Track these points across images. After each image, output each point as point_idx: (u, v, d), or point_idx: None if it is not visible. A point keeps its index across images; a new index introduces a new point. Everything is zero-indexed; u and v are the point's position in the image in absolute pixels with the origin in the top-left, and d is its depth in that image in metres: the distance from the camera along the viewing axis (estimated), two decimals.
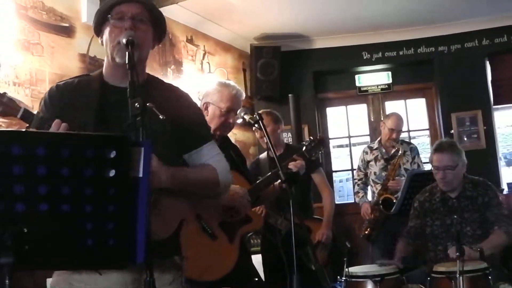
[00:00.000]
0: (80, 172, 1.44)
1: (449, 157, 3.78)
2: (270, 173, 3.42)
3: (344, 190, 9.40)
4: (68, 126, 1.90)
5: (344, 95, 7.91)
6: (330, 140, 8.03)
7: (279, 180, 3.24)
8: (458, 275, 2.99)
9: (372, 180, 5.73)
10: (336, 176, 8.50)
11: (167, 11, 5.21)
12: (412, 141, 7.09)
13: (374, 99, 7.83)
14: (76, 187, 1.43)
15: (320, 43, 7.62)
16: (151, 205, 1.92)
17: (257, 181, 3.39)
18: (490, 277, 3.21)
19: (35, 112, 1.95)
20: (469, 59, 7.28)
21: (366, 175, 5.83)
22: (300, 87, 7.48)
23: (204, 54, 6.50)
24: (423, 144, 8.58)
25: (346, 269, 3.46)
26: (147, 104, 1.76)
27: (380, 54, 7.59)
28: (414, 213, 3.96)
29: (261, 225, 3.76)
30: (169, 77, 5.80)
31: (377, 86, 7.78)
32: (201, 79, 6.25)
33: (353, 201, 6.69)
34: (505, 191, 6.90)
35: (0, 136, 1.41)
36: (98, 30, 2.15)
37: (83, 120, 1.98)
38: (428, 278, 3.37)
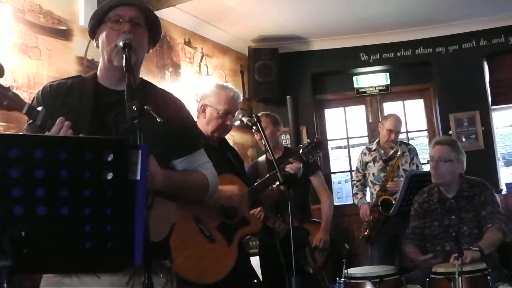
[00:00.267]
0: (78, 175, 1.43)
1: (445, 150, 3.81)
2: (268, 175, 3.42)
3: (342, 191, 9.41)
4: (71, 124, 1.88)
5: (342, 96, 7.92)
6: (328, 142, 8.03)
7: (277, 183, 3.24)
8: (457, 276, 3.00)
9: (371, 181, 5.73)
10: (334, 178, 8.51)
11: (164, 13, 5.21)
12: (411, 142, 7.10)
13: (372, 101, 7.84)
14: (74, 190, 1.43)
15: (317, 45, 7.63)
16: (149, 209, 1.93)
17: (255, 183, 3.40)
18: (489, 278, 3.21)
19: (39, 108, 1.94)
20: (467, 60, 7.29)
21: (364, 176, 5.83)
22: (298, 88, 7.48)
23: (202, 57, 6.50)
24: (422, 145, 8.60)
25: (345, 271, 3.46)
26: (145, 107, 1.76)
27: (378, 56, 7.60)
28: (416, 213, 3.96)
29: (259, 228, 3.75)
30: (167, 80, 5.81)
31: (375, 87, 7.79)
32: (199, 81, 6.25)
33: (351, 202, 6.69)
34: (504, 192, 6.92)
35: None
36: (93, 32, 2.15)
37: (77, 121, 1.96)
38: (427, 279, 3.37)
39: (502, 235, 3.60)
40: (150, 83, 2.31)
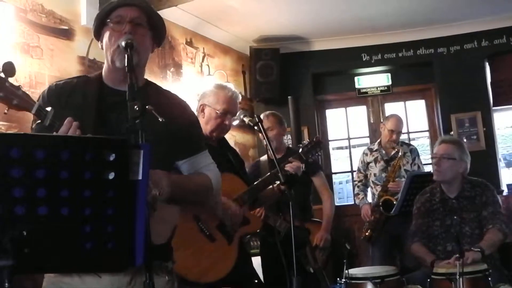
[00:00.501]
0: (79, 175, 1.43)
1: (449, 148, 3.81)
2: (267, 174, 3.42)
3: (343, 192, 9.40)
4: (79, 124, 1.89)
5: (343, 97, 7.92)
6: (329, 142, 8.04)
7: (278, 182, 3.25)
8: (458, 277, 3.00)
9: (372, 182, 5.73)
10: (335, 178, 8.51)
11: (166, 13, 5.21)
12: (412, 142, 7.09)
13: (374, 101, 7.84)
14: (75, 190, 1.43)
15: (319, 45, 7.63)
16: (151, 208, 1.94)
17: (255, 182, 3.40)
18: (490, 279, 3.21)
19: (48, 108, 1.94)
20: (468, 61, 7.29)
21: (366, 176, 5.83)
22: (299, 89, 7.49)
23: (203, 57, 6.50)
24: (423, 146, 8.60)
25: (346, 271, 3.46)
26: (147, 107, 1.77)
27: (379, 56, 7.60)
28: (419, 212, 3.95)
29: (260, 227, 3.75)
30: (169, 80, 5.81)
31: (377, 87, 7.79)
32: (201, 81, 6.25)
33: (352, 203, 6.69)
34: (505, 192, 6.91)
35: None
36: (97, 34, 2.16)
37: (81, 120, 1.97)
38: (428, 280, 3.37)
39: (503, 236, 3.60)
40: (155, 84, 2.31)
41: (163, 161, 1.98)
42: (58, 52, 4.42)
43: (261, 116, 4.44)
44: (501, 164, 7.98)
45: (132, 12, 2.08)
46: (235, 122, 3.36)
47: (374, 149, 5.80)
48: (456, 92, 7.24)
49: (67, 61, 4.50)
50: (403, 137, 6.38)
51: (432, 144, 7.57)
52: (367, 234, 5.51)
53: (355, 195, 5.96)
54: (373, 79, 7.82)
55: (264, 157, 4.60)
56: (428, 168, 6.92)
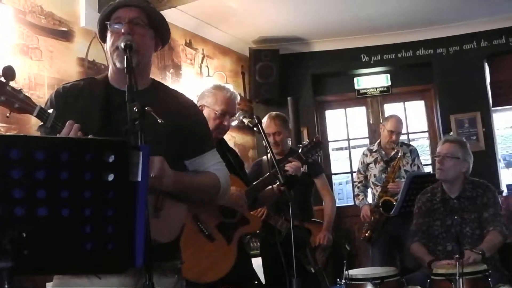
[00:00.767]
0: (79, 176, 1.43)
1: (453, 147, 3.82)
2: (267, 174, 3.43)
3: (343, 193, 9.40)
4: (80, 126, 1.91)
5: (343, 97, 7.92)
6: (329, 143, 8.04)
7: (278, 183, 3.25)
8: (458, 277, 2.99)
9: (372, 183, 5.73)
10: (335, 179, 8.50)
11: (165, 14, 5.16)
12: (411, 143, 7.09)
13: (373, 102, 7.84)
14: (75, 191, 1.43)
15: (318, 46, 7.63)
16: (155, 209, 1.94)
17: (254, 182, 3.40)
18: (490, 279, 3.21)
19: (50, 111, 1.95)
20: (467, 61, 7.29)
21: (366, 177, 5.83)
22: (299, 90, 7.48)
23: (203, 58, 6.50)
24: (422, 146, 8.59)
25: (346, 272, 3.46)
26: (146, 108, 1.77)
27: (378, 57, 7.61)
28: (420, 212, 3.95)
29: (259, 227, 3.75)
30: (168, 81, 5.81)
31: (376, 88, 7.79)
32: (200, 82, 6.25)
33: (352, 203, 6.69)
34: (505, 193, 6.91)
35: None
36: (102, 37, 2.18)
37: (87, 121, 1.99)
38: (428, 280, 3.37)
39: (503, 238, 3.61)
40: (162, 84, 2.33)
41: (171, 161, 1.99)
42: (57, 53, 4.42)
43: (266, 118, 4.45)
44: (501, 164, 7.97)
45: (131, 13, 2.09)
46: (234, 123, 3.36)
47: (374, 150, 5.80)
48: (456, 92, 7.24)
49: (66, 63, 4.50)
50: (403, 137, 6.38)
51: (432, 145, 7.58)
52: (367, 234, 5.51)
53: (355, 196, 5.96)
54: (372, 80, 7.83)
55: (269, 155, 4.59)
56: (428, 169, 6.95)
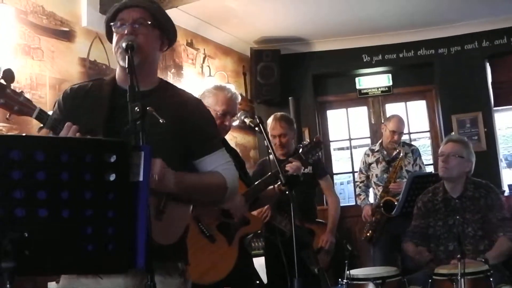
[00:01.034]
0: (80, 177, 1.43)
1: (457, 146, 3.83)
2: (268, 175, 3.43)
3: (345, 192, 9.41)
4: (78, 128, 1.92)
5: (344, 97, 7.91)
6: (330, 143, 8.03)
7: (279, 183, 3.25)
8: (459, 277, 2.99)
9: (374, 183, 5.72)
10: (337, 179, 8.51)
11: None
12: (413, 143, 7.07)
13: (375, 102, 7.84)
14: (76, 192, 1.43)
15: (319, 46, 7.63)
16: (157, 210, 1.94)
17: (255, 183, 3.40)
18: (491, 279, 3.20)
19: (50, 112, 1.98)
20: (469, 61, 7.28)
21: (367, 177, 5.82)
22: (300, 90, 7.48)
23: (204, 58, 6.50)
24: (424, 146, 8.59)
25: (347, 272, 3.46)
26: (147, 108, 1.77)
27: (380, 57, 7.60)
28: (419, 213, 3.95)
29: (260, 227, 3.75)
30: (169, 81, 5.80)
31: (378, 88, 7.78)
32: (202, 83, 6.26)
33: (354, 203, 6.69)
34: (506, 193, 6.90)
35: None
36: (110, 38, 2.20)
37: (93, 121, 2.01)
38: (430, 280, 3.36)
39: None
40: (170, 83, 2.34)
41: (178, 161, 1.99)
42: (59, 53, 4.42)
43: (271, 119, 4.44)
44: (502, 164, 7.98)
45: (134, 13, 2.10)
46: (235, 123, 3.36)
47: (375, 150, 5.80)
48: (457, 92, 7.24)
49: (68, 63, 4.50)
50: (404, 137, 6.37)
51: (433, 145, 7.58)
52: (368, 234, 5.51)
53: (357, 196, 5.96)
54: (374, 80, 7.82)
55: (271, 156, 4.59)
56: (430, 169, 6.95)
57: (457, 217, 3.75)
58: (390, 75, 7.77)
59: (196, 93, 5.92)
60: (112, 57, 2.42)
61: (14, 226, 1.37)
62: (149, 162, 1.61)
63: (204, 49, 6.55)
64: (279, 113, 4.61)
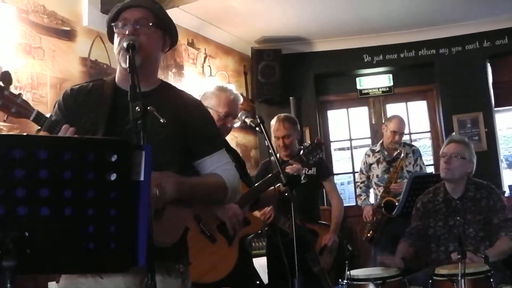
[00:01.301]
0: (82, 176, 1.44)
1: (459, 147, 3.82)
2: (269, 176, 3.43)
3: (345, 193, 9.40)
4: (75, 130, 1.93)
5: (345, 97, 7.92)
6: (331, 143, 8.04)
7: (280, 184, 3.25)
8: (460, 278, 2.99)
9: (375, 183, 5.73)
10: (337, 179, 8.50)
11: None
12: (413, 143, 7.08)
13: (375, 102, 7.84)
14: (78, 191, 1.43)
15: (321, 46, 7.63)
16: (156, 212, 1.94)
17: (256, 184, 3.40)
18: (492, 280, 3.20)
19: (47, 115, 1.98)
20: (470, 61, 7.28)
21: (368, 177, 5.83)
22: (301, 90, 7.49)
23: (205, 58, 6.50)
24: (425, 147, 8.59)
25: (348, 272, 3.46)
26: (148, 108, 1.77)
27: (381, 57, 7.60)
28: (417, 214, 3.96)
29: (261, 228, 3.75)
30: (170, 81, 5.81)
31: (378, 88, 7.79)
32: (202, 82, 6.26)
33: (354, 204, 6.69)
34: (507, 193, 6.90)
35: (1, 140, 1.41)
36: (111, 38, 2.20)
37: (94, 121, 2.02)
38: (430, 281, 3.36)
39: None
40: (170, 84, 2.34)
41: (178, 161, 1.99)
42: (60, 53, 4.42)
43: (274, 120, 4.44)
44: (503, 165, 7.98)
45: (137, 14, 2.11)
46: (237, 124, 3.36)
47: (376, 150, 5.80)
48: (458, 93, 7.24)
49: (69, 62, 4.50)
50: (405, 138, 6.38)
51: (434, 145, 7.58)
52: (369, 235, 5.51)
53: (357, 196, 5.97)
54: (374, 80, 7.82)
55: (273, 157, 4.58)
56: (430, 169, 6.94)
57: (458, 218, 3.75)
58: (391, 75, 7.77)
59: (197, 93, 5.93)
60: (113, 57, 2.42)
61: (16, 225, 1.37)
62: (150, 161, 1.61)
63: (205, 49, 6.55)
64: (282, 114, 4.60)
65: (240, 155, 3.77)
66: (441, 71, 7.43)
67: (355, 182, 7.11)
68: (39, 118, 1.93)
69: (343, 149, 9.07)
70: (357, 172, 6.23)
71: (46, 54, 4.29)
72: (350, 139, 7.98)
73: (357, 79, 7.82)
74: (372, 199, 5.88)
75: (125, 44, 1.97)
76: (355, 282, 3.49)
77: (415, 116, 7.92)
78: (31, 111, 1.92)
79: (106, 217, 1.48)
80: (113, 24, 2.12)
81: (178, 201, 2.02)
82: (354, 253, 3.65)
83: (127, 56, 1.93)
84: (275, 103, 7.21)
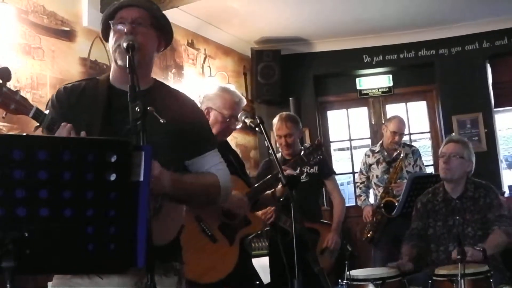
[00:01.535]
0: (81, 176, 1.43)
1: (458, 147, 3.83)
2: (268, 176, 3.43)
3: (345, 193, 9.36)
4: (72, 126, 1.91)
5: (345, 98, 7.91)
6: (331, 143, 8.03)
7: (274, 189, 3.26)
8: (459, 278, 2.99)
9: (374, 183, 5.73)
10: (337, 179, 8.48)
11: (167, 15, 5.17)
12: (413, 144, 7.08)
13: (375, 102, 7.83)
14: (77, 191, 1.43)
15: (320, 47, 7.63)
16: (153, 210, 1.94)
17: (256, 185, 3.40)
18: (491, 280, 3.20)
19: (46, 111, 1.97)
20: (469, 62, 7.28)
21: (368, 178, 5.83)
22: (300, 90, 7.49)
23: (205, 58, 6.50)
24: (424, 147, 8.59)
25: (348, 272, 3.46)
26: (148, 108, 1.77)
27: (380, 57, 7.60)
28: (417, 214, 3.96)
29: (261, 228, 3.75)
30: (170, 81, 5.81)
31: (378, 89, 7.78)
32: (202, 82, 6.26)
33: (354, 204, 6.68)
34: (507, 194, 6.89)
35: (1, 140, 1.41)
36: (106, 36, 2.19)
37: (89, 121, 2.00)
38: (430, 281, 3.36)
39: (507, 237, 3.59)
40: (164, 84, 2.33)
41: (171, 161, 1.99)
42: (60, 53, 4.43)
43: (276, 119, 4.44)
44: (503, 165, 7.97)
45: (134, 13, 2.10)
46: (239, 126, 3.36)
47: (376, 151, 5.80)
48: (458, 93, 7.24)
49: (68, 63, 4.50)
50: (404, 138, 6.38)
51: (434, 146, 7.58)
52: (368, 235, 5.51)
53: (357, 196, 5.97)
54: (374, 81, 7.82)
55: (277, 155, 4.58)
56: (430, 170, 6.94)
57: (457, 217, 3.75)
58: (390, 75, 7.77)
59: (197, 93, 5.94)
60: None
61: (15, 226, 1.37)
62: (149, 162, 1.61)
63: (204, 49, 6.55)
64: (284, 113, 4.61)
65: (240, 155, 3.77)
66: (441, 72, 7.43)
67: (354, 183, 7.10)
68: (38, 115, 1.92)
69: (342, 149, 9.06)
70: (356, 172, 6.23)
71: (46, 54, 4.29)
72: (350, 140, 7.98)
73: (357, 79, 7.82)
74: (372, 200, 5.88)
75: (124, 45, 1.96)
76: (354, 282, 3.49)
77: (415, 117, 7.91)
78: (30, 108, 1.90)
79: (105, 218, 1.47)
80: (110, 21, 2.11)
81: (173, 199, 2.02)
82: (354, 253, 3.66)
83: (127, 57, 1.92)
84: (275, 103, 7.21)
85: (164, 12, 2.26)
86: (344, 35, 7.39)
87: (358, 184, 5.95)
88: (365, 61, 7.63)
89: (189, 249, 2.87)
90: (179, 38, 6.14)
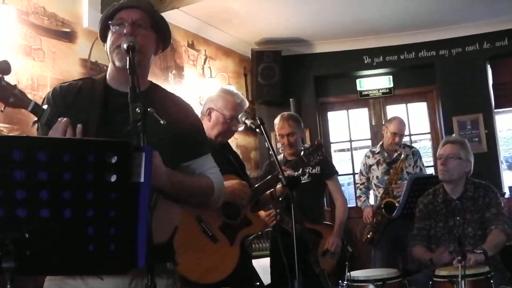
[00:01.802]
0: (82, 177, 1.43)
1: (455, 148, 3.82)
2: (269, 177, 3.43)
3: (345, 194, 9.39)
4: (69, 120, 1.90)
5: (345, 99, 7.91)
6: (331, 144, 8.03)
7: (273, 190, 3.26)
8: (460, 279, 2.99)
9: (375, 184, 5.73)
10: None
11: (168, 16, 5.19)
12: (413, 145, 7.07)
13: (375, 103, 7.84)
14: (78, 192, 1.43)
15: (321, 48, 7.63)
16: (151, 210, 1.93)
17: (256, 185, 3.41)
18: (492, 281, 3.20)
19: (44, 106, 1.97)
20: (470, 63, 7.28)
21: (368, 179, 5.83)
22: (301, 91, 7.49)
23: (205, 59, 6.50)
24: (425, 148, 8.59)
25: (348, 273, 3.46)
26: (148, 109, 1.77)
27: (381, 58, 7.60)
28: (421, 215, 3.95)
29: (262, 228, 3.75)
30: (170, 82, 5.82)
31: (378, 90, 7.78)
32: (203, 84, 6.26)
33: (354, 205, 6.68)
34: (507, 195, 6.90)
35: (1, 141, 1.41)
36: (103, 37, 2.18)
37: (86, 121, 1.99)
38: (430, 282, 3.36)
39: (506, 237, 3.59)
40: (159, 86, 2.32)
41: (169, 163, 1.99)
42: (60, 54, 4.43)
43: (278, 119, 4.45)
44: (503, 166, 7.97)
45: (134, 14, 2.10)
46: (241, 128, 3.37)
47: (376, 152, 5.80)
48: (458, 94, 7.24)
49: (69, 64, 4.51)
50: (405, 139, 6.38)
51: (434, 147, 7.57)
52: (369, 236, 5.51)
53: (357, 197, 5.97)
54: (374, 82, 7.82)
55: (279, 157, 4.58)
56: (430, 171, 6.94)
57: (457, 218, 3.75)
58: (391, 76, 7.76)
59: (197, 94, 5.95)
60: None
61: (15, 226, 1.37)
62: (150, 163, 1.61)
63: (205, 50, 6.55)
64: (286, 113, 4.61)
65: (240, 156, 3.77)
66: (441, 73, 7.43)
67: (355, 184, 7.10)
68: (37, 109, 1.92)
69: (343, 150, 9.07)
70: (357, 173, 6.23)
71: (47, 55, 4.29)
72: (350, 141, 7.98)
73: (357, 80, 7.82)
74: (372, 201, 5.88)
75: (125, 46, 1.95)
76: (355, 284, 3.50)
77: (415, 118, 7.91)
78: (29, 102, 1.90)
79: (105, 219, 1.47)
80: (109, 22, 2.11)
81: (168, 198, 2.02)
82: (354, 254, 3.66)
83: (128, 58, 1.92)
84: (275, 104, 7.21)
85: (164, 13, 2.27)
86: (345, 36, 7.39)
87: (358, 185, 5.95)
88: (366, 62, 7.64)
89: (190, 249, 2.88)
90: (180, 39, 6.14)
